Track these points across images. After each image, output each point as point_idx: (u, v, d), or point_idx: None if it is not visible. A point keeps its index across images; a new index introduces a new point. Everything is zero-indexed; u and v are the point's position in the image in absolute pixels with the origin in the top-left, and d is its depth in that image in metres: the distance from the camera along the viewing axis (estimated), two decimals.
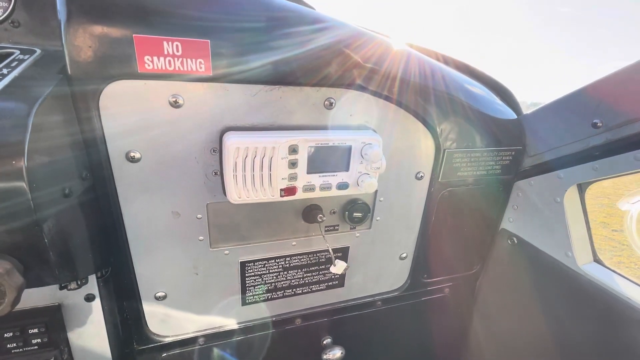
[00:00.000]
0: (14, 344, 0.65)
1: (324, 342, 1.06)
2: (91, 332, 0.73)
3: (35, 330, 0.65)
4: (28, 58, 0.59)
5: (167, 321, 0.87)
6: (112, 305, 0.75)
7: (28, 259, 0.52)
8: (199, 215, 0.78)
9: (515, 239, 1.09)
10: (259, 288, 0.92)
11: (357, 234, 0.96)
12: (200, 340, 0.92)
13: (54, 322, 0.67)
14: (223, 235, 0.82)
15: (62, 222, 0.55)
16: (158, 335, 0.87)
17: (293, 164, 0.72)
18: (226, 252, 0.84)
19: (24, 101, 0.49)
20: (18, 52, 0.60)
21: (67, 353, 0.71)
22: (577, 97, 0.89)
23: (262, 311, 0.96)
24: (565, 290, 0.95)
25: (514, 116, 1.02)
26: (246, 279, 0.89)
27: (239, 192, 0.71)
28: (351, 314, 1.08)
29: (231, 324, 0.94)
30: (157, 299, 0.83)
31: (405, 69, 0.82)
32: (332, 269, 0.89)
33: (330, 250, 0.87)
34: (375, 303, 1.10)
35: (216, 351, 0.94)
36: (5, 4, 0.62)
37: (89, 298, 0.70)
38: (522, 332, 1.11)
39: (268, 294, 0.94)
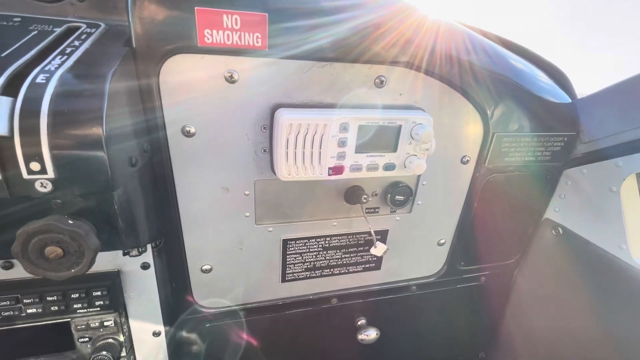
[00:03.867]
0: (80, 305, 0.70)
1: (359, 323, 1.07)
2: (145, 298, 0.77)
3: (99, 293, 0.70)
4: (95, 32, 0.61)
5: (211, 293, 0.90)
6: (164, 274, 0.79)
7: (99, 224, 0.55)
8: (247, 192, 0.79)
9: (560, 229, 1.04)
10: (298, 266, 0.94)
11: (397, 218, 0.95)
12: (242, 313, 0.95)
13: (114, 286, 0.71)
14: (268, 213, 0.84)
15: (128, 190, 0.57)
16: (203, 307, 0.91)
17: (342, 143, 0.71)
18: (270, 229, 0.86)
19: (98, 71, 0.50)
20: (85, 25, 0.62)
21: (124, 316, 0.76)
22: None
23: (300, 289, 0.98)
24: (616, 284, 0.91)
25: (568, 100, 0.96)
26: (287, 256, 0.91)
27: (288, 169, 0.71)
28: (386, 297, 1.08)
29: (271, 299, 0.96)
30: (204, 271, 0.86)
31: (458, 47, 0.79)
32: (373, 251, 0.89)
33: (372, 232, 0.87)
34: (410, 288, 1.09)
35: (256, 324, 0.98)
36: None
37: (145, 266, 0.74)
38: (563, 327, 1.08)
39: (307, 272, 0.96)
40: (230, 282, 0.90)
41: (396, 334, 1.16)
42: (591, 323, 0.99)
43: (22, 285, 0.65)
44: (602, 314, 0.96)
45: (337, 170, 0.74)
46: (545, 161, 0.97)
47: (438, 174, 0.91)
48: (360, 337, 1.02)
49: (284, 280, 0.95)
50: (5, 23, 0.59)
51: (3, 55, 0.50)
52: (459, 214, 1.01)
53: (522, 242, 1.14)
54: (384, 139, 0.75)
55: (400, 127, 0.75)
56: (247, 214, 0.82)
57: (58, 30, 0.59)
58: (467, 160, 0.91)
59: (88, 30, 0.61)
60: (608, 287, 0.93)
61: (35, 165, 0.44)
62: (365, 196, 0.82)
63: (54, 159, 0.44)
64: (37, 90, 0.44)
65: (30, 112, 0.43)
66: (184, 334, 0.91)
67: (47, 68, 0.48)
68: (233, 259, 0.87)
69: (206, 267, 0.86)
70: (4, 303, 0.65)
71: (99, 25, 0.63)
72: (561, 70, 1.04)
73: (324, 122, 0.68)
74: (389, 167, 0.78)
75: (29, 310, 0.67)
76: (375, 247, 0.88)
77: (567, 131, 0.94)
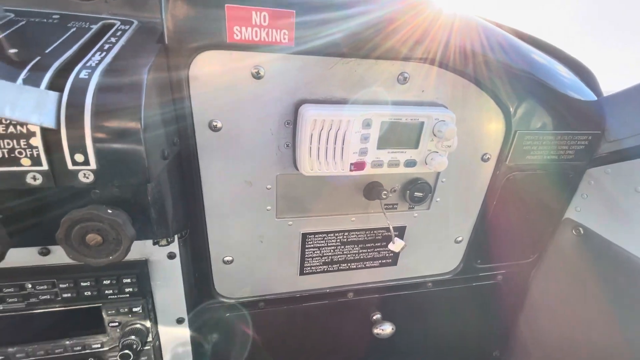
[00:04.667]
0: (111, 291, 0.73)
1: (374, 318, 1.08)
2: (170, 287, 0.80)
3: (128, 280, 0.73)
4: (128, 28, 0.63)
5: (232, 284, 0.93)
6: (188, 264, 0.82)
7: (133, 214, 0.57)
8: (269, 186, 0.81)
9: (581, 229, 1.03)
10: (316, 260, 0.95)
11: (415, 214, 0.96)
12: (261, 304, 0.98)
13: (142, 274, 0.74)
14: (288, 207, 0.85)
15: (160, 182, 0.59)
16: (223, 296, 0.94)
17: (365, 139, 0.72)
18: (290, 223, 0.87)
19: (135, 68, 0.52)
20: (119, 22, 0.64)
21: (151, 303, 0.79)
22: None
23: (317, 282, 1.00)
24: (638, 286, 0.89)
25: (593, 98, 0.94)
26: (306, 250, 0.93)
27: (311, 165, 0.72)
28: (401, 293, 1.09)
29: (289, 291, 0.98)
30: (225, 262, 0.88)
31: (481, 43, 0.78)
32: (391, 247, 0.90)
33: (391, 228, 0.88)
34: (425, 284, 1.10)
35: (274, 315, 1.00)
36: None
37: (171, 256, 0.76)
38: (581, 330, 1.07)
39: (324, 266, 0.97)
40: (250, 273, 0.92)
41: (411, 330, 1.17)
42: (610, 326, 0.98)
43: (58, 270, 0.69)
44: (622, 317, 0.95)
45: (359, 166, 0.75)
46: (567, 160, 0.95)
47: (458, 171, 0.91)
48: (376, 331, 1.03)
49: (302, 273, 0.96)
50: (45, 20, 0.62)
51: (47, 51, 0.52)
52: (477, 211, 1.00)
53: (540, 242, 1.12)
54: (406, 136, 0.75)
55: (422, 123, 0.75)
56: (269, 207, 0.84)
57: (94, 27, 0.61)
58: (488, 158, 0.91)
59: (122, 27, 0.63)
60: (630, 290, 0.92)
61: (79, 157, 0.46)
62: (385, 192, 0.83)
63: (97, 151, 0.46)
64: (81, 85, 0.47)
65: (75, 106, 0.45)
66: (205, 322, 0.94)
67: (88, 64, 0.50)
68: (253, 251, 0.89)
69: (228, 258, 0.88)
70: (42, 287, 0.69)
71: (132, 22, 0.65)
72: (586, 66, 1.02)
73: (348, 118, 0.69)
74: (410, 163, 0.78)
75: (64, 295, 0.70)
76: (394, 243, 0.89)
77: (592, 129, 0.93)
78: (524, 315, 1.24)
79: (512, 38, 0.87)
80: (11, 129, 0.44)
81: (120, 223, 0.50)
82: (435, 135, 0.76)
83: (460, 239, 1.04)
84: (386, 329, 1.02)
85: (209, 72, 0.65)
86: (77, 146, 0.46)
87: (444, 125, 0.73)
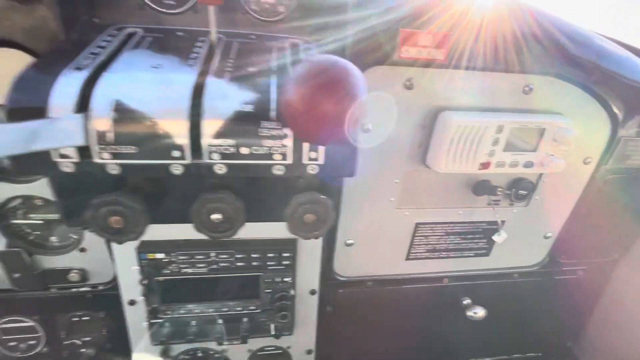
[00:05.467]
0: (272, 263, 0.88)
1: (464, 303, 1.19)
2: (310, 262, 0.94)
3: (286, 255, 0.88)
4: (312, 47, 0.76)
5: (347, 264, 1.06)
6: (324, 245, 0.96)
7: None
8: (397, 180, 0.93)
9: None
10: (422, 247, 1.07)
11: (515, 210, 1.05)
12: (369, 283, 1.11)
13: (293, 250, 0.89)
14: (408, 199, 0.98)
15: None
16: (338, 274, 1.08)
17: (495, 142, 0.83)
18: (407, 213, 1.00)
19: None
20: (301, 42, 0.77)
21: (295, 276, 0.94)
22: None
23: (419, 267, 1.12)
24: None
25: None
26: (415, 238, 1.05)
27: (446, 163, 0.84)
28: (489, 282, 1.19)
29: (394, 274, 1.11)
30: (347, 245, 1.02)
31: (599, 55, 0.86)
32: (495, 238, 1.01)
33: (499, 222, 0.98)
34: (512, 275, 1.19)
35: (379, 294, 1.13)
36: (287, 2, 0.79)
37: (315, 236, 0.90)
38: None
39: (428, 253, 1.09)
40: (365, 255, 1.06)
41: (495, 316, 1.27)
42: None
43: (235, 243, 0.85)
44: None
45: (485, 165, 0.86)
46: None
47: (560, 172, 0.99)
48: (469, 314, 1.14)
49: (407, 258, 1.09)
50: (246, 40, 0.76)
51: (274, 67, 0.66)
52: (570, 210, 1.08)
53: (625, 241, 1.19)
54: (528, 140, 0.85)
55: (544, 130, 0.84)
56: (392, 199, 0.96)
57: (286, 45, 0.75)
58: (589, 161, 0.99)
59: (306, 46, 0.76)
60: None
61: (313, 154, 0.60)
62: (500, 189, 0.93)
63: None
64: None
65: None
66: (324, 295, 1.09)
67: None
68: (372, 237, 1.02)
69: (350, 241, 1.02)
70: (223, 256, 0.85)
71: (310, 41, 0.78)
72: None
73: (486, 125, 0.80)
74: (528, 164, 0.88)
75: (238, 264, 0.86)
76: (499, 235, 1.00)
77: None
78: (601, 311, 1.31)
79: (621, 48, 0.94)
80: (272, 132, 0.58)
81: (331, 206, 0.64)
82: (555, 140, 0.85)
83: (549, 235, 1.13)
84: (479, 312, 1.13)
85: (371, 82, 0.77)
86: (314, 146, 0.59)
87: (567, 132, 0.82)
